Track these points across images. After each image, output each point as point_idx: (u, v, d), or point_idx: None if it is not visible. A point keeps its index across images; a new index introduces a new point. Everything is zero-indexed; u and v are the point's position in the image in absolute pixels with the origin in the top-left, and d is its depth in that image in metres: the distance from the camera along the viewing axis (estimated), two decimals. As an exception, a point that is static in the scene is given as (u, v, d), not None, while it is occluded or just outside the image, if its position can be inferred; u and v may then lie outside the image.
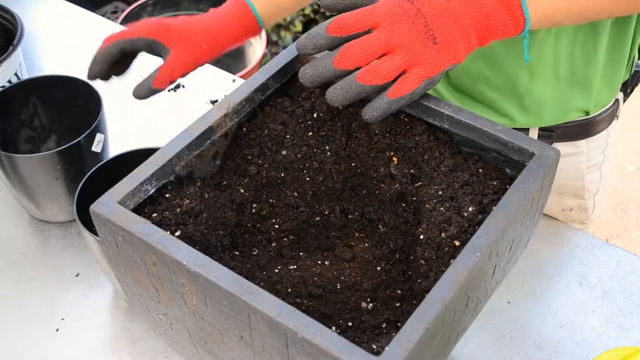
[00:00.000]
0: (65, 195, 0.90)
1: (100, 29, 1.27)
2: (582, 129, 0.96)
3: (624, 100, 1.02)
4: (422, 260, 0.64)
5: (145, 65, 1.14)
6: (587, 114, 0.95)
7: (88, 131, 0.87)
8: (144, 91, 0.80)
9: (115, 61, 0.82)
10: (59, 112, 0.99)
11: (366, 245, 0.71)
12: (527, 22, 0.68)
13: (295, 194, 0.73)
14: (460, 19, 0.65)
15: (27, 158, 0.86)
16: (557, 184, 0.96)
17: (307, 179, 0.73)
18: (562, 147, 0.95)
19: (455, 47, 0.65)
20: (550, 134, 0.95)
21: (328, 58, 0.64)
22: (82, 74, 1.17)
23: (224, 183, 0.70)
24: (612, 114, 0.98)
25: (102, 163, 0.82)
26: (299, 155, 0.72)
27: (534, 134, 0.95)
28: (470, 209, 0.64)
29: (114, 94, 1.14)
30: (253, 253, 0.69)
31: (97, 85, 0.92)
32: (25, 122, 0.98)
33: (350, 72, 0.64)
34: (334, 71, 0.64)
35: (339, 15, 0.65)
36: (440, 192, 0.67)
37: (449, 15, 0.65)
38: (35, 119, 0.99)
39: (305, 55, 0.69)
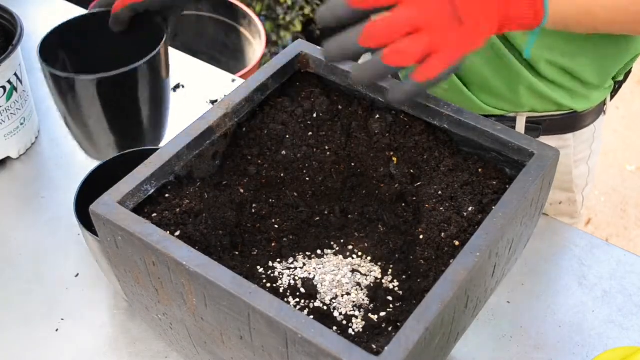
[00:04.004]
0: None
1: (100, 29, 1.27)
2: (569, 123, 0.97)
3: (611, 98, 1.03)
4: (422, 260, 0.65)
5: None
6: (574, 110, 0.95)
7: (145, 59, 0.84)
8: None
9: None
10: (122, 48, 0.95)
11: (366, 245, 0.71)
12: (545, 18, 0.66)
13: (295, 194, 0.73)
14: (487, 5, 0.63)
15: (84, 81, 0.83)
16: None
17: (307, 179, 0.73)
18: (549, 140, 0.95)
19: (479, 30, 0.63)
20: (537, 126, 0.95)
21: (353, 34, 0.61)
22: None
23: (224, 183, 0.70)
24: (599, 110, 0.99)
25: (102, 163, 0.82)
26: (299, 155, 0.72)
27: (521, 126, 0.95)
28: (470, 208, 0.64)
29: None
30: (253, 253, 0.69)
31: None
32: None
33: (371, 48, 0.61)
34: (359, 48, 0.61)
35: None
36: (440, 192, 0.67)
37: (478, 2, 0.62)
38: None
39: (325, 26, 0.63)
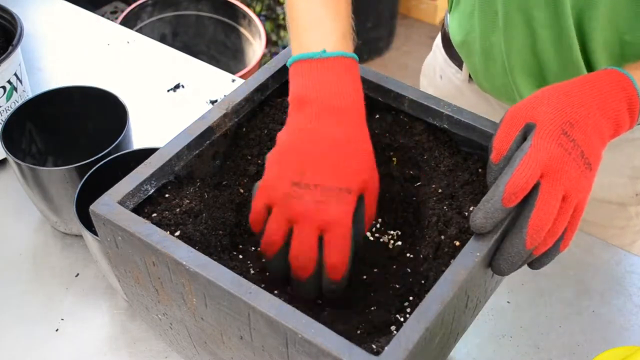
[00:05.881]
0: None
1: (99, 29, 1.27)
2: None
3: None
4: (422, 260, 0.65)
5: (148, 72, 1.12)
6: None
7: (109, 149, 0.83)
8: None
9: None
10: (87, 123, 0.97)
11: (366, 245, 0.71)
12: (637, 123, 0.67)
13: (295, 194, 0.73)
14: (603, 135, 0.63)
15: (46, 171, 0.84)
16: (633, 166, 0.93)
17: (307, 179, 0.73)
18: None
19: (599, 163, 0.63)
20: None
21: (520, 244, 0.59)
22: (81, 74, 1.17)
23: (224, 183, 0.70)
24: None
25: (102, 163, 0.82)
26: (299, 155, 0.72)
27: None
28: (471, 208, 0.64)
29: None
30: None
31: (124, 97, 0.90)
32: (55, 131, 0.97)
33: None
34: (530, 253, 0.60)
35: (509, 181, 0.58)
36: (440, 192, 0.67)
37: (597, 136, 0.62)
38: (64, 129, 0.97)
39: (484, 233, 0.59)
